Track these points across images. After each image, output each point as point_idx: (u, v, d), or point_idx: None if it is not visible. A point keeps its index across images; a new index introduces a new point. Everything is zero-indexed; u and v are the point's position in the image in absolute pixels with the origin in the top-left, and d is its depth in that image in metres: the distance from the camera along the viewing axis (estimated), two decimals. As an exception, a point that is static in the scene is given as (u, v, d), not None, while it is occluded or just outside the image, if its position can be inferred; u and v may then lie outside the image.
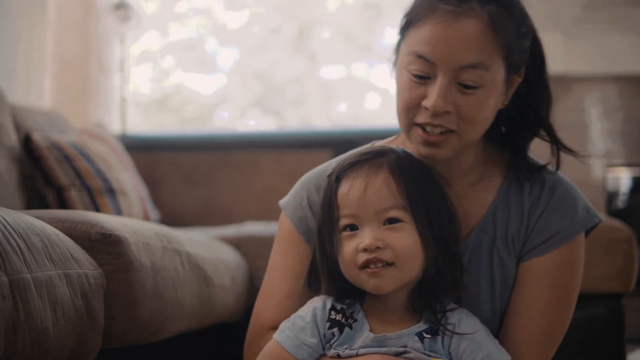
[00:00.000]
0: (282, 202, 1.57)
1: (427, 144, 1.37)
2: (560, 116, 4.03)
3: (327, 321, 1.36)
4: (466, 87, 1.34)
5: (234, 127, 4.85)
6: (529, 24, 1.41)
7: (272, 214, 3.52)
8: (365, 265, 1.31)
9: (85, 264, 1.47)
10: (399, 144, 1.48)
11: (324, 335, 1.36)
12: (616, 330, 2.43)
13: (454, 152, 1.39)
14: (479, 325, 1.36)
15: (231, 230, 2.81)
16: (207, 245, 2.21)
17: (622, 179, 4.01)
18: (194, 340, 2.18)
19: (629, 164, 4.02)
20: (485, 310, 1.44)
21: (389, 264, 1.31)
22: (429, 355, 1.32)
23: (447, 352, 1.33)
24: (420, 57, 1.34)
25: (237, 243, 2.60)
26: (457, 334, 1.32)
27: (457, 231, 1.40)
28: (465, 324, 1.34)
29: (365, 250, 1.30)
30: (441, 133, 1.36)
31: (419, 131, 1.38)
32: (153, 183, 3.52)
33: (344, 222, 1.34)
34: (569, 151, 1.50)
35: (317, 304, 1.38)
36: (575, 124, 4.01)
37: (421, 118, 1.36)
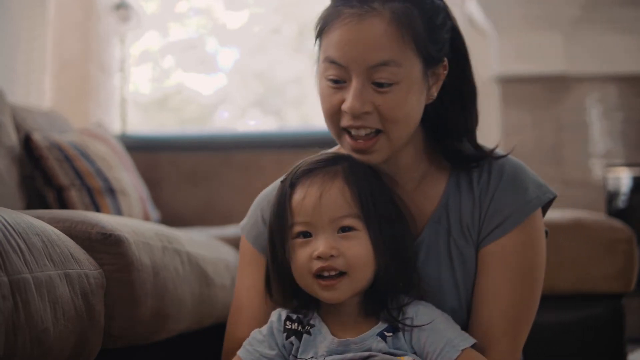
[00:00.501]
0: (241, 224, 1.60)
1: (358, 151, 1.39)
2: (560, 116, 4.04)
3: (284, 332, 1.37)
4: (380, 85, 1.34)
5: (234, 127, 4.85)
6: (445, 15, 1.42)
7: (272, 214, 3.52)
8: (319, 273, 1.32)
9: (85, 264, 1.47)
10: None
11: (284, 346, 1.37)
12: (616, 331, 2.42)
13: (388, 154, 1.40)
14: (437, 314, 1.35)
15: (231, 230, 2.81)
16: (208, 245, 2.21)
17: (622, 179, 4.01)
18: (194, 340, 2.18)
19: (629, 164, 4.02)
20: (450, 300, 1.44)
21: (341, 273, 1.32)
22: (394, 354, 1.32)
23: (410, 347, 1.33)
24: (332, 62, 1.36)
25: (237, 243, 2.59)
26: (414, 327, 1.33)
27: (407, 232, 1.41)
28: (423, 315, 1.34)
29: (319, 257, 1.32)
30: (367, 135, 1.37)
31: (347, 138, 1.39)
32: (153, 183, 3.52)
33: (297, 228, 1.35)
34: (486, 152, 1.48)
35: (274, 318, 1.40)
36: (575, 124, 4.01)
37: (344, 122, 1.38)
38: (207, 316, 2.08)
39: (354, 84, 1.35)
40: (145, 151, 3.69)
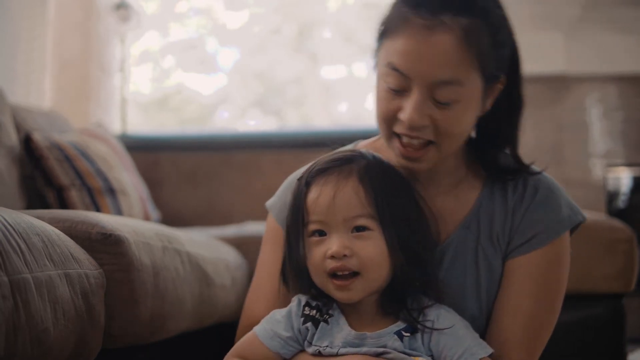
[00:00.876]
0: (269, 203, 1.60)
1: (406, 158, 1.39)
2: (561, 116, 4.04)
3: (301, 316, 1.38)
4: (442, 103, 1.34)
5: (235, 127, 4.85)
6: (507, 29, 1.41)
7: (272, 214, 3.52)
8: (333, 273, 1.32)
9: (85, 264, 1.47)
10: (381, 145, 1.49)
11: (299, 331, 1.38)
12: (617, 330, 2.42)
13: (434, 164, 1.40)
14: (458, 319, 1.36)
15: (231, 230, 2.81)
16: (208, 245, 2.21)
17: (623, 178, 4.01)
18: (194, 340, 2.18)
19: (629, 164, 4.02)
20: (471, 306, 1.45)
21: (355, 273, 1.32)
22: (409, 354, 1.32)
23: (427, 349, 1.33)
24: (395, 69, 1.35)
25: (237, 243, 2.60)
26: (435, 329, 1.33)
27: (427, 232, 1.40)
28: (444, 319, 1.34)
29: (332, 257, 1.32)
30: (419, 144, 1.37)
31: (397, 143, 1.39)
32: (153, 183, 3.52)
33: (312, 227, 1.35)
34: (524, 167, 1.49)
35: (294, 302, 1.41)
36: (575, 124, 4.01)
37: (398, 129, 1.37)
38: (207, 316, 2.08)
39: (415, 96, 1.33)
40: (146, 151, 3.69)
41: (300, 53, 4.83)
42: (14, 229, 1.27)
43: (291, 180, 1.58)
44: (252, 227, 2.86)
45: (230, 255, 2.38)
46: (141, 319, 1.62)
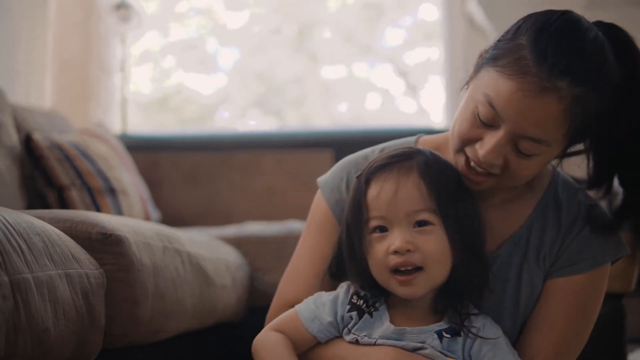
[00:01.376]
0: (320, 180, 1.57)
1: (465, 178, 1.39)
2: (561, 116, 4.03)
3: (348, 304, 1.38)
4: (522, 153, 1.33)
5: (235, 127, 4.85)
6: (611, 84, 1.34)
7: (273, 213, 3.52)
8: (396, 269, 1.32)
9: (86, 264, 1.47)
10: (443, 142, 1.50)
11: (342, 318, 1.38)
12: (617, 330, 2.42)
13: (489, 189, 1.41)
14: (501, 333, 1.37)
15: (232, 230, 2.81)
16: (208, 245, 2.21)
17: (623, 178, 4.00)
18: (194, 340, 2.18)
19: (629, 164, 4.01)
20: (507, 319, 1.46)
21: (418, 268, 1.31)
22: (445, 354, 1.32)
23: (466, 355, 1.34)
24: (491, 106, 1.32)
25: (237, 243, 2.60)
26: (481, 337, 1.34)
27: (485, 235, 1.40)
28: (489, 329, 1.36)
29: (395, 252, 1.31)
30: (483, 173, 1.37)
31: (463, 162, 1.38)
32: (154, 183, 3.52)
33: (373, 223, 1.34)
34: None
35: (343, 287, 1.41)
36: (575, 123, 4.00)
37: (470, 153, 1.37)
38: (208, 316, 2.08)
39: (500, 138, 1.32)
40: (146, 151, 3.69)
41: (300, 53, 4.83)
42: (14, 229, 1.27)
43: (346, 162, 1.56)
44: (252, 227, 2.86)
45: (231, 255, 2.38)
46: (141, 319, 1.62)
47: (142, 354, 1.76)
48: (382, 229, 1.34)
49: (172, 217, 3.39)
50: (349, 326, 1.37)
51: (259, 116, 4.86)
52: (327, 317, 1.38)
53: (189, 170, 3.71)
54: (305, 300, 1.42)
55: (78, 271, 1.42)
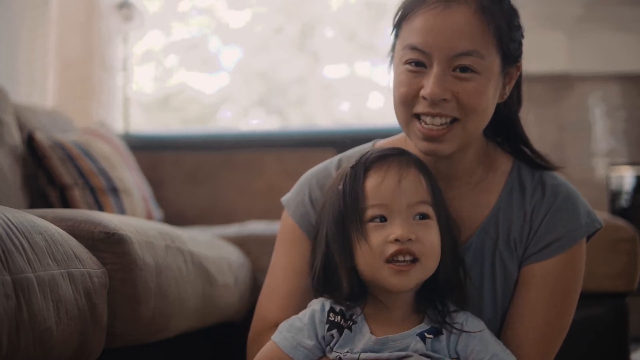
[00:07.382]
0: (284, 199, 1.57)
1: (428, 138, 1.38)
2: (563, 115, 4.03)
3: (326, 323, 1.36)
4: (462, 70, 1.34)
5: (237, 126, 4.85)
6: (519, 19, 1.43)
7: (274, 213, 3.52)
8: (393, 257, 1.31)
9: (88, 263, 1.47)
10: (400, 144, 1.48)
11: (323, 338, 1.36)
12: (620, 330, 2.42)
13: (457, 147, 1.39)
14: (484, 326, 1.37)
15: (234, 229, 2.81)
16: (210, 244, 2.21)
17: (626, 177, 4.01)
18: (197, 340, 2.18)
19: (632, 163, 4.01)
20: (487, 310, 1.45)
21: (413, 260, 1.31)
22: (431, 357, 1.32)
23: (453, 352, 1.33)
24: (414, 48, 1.36)
25: (240, 242, 2.60)
26: (465, 332, 1.33)
27: (455, 231, 1.41)
28: (472, 324, 1.35)
29: (396, 240, 1.30)
30: (443, 125, 1.37)
31: (417, 125, 1.38)
32: (156, 182, 3.52)
33: (372, 212, 1.33)
34: (544, 160, 1.52)
35: (316, 307, 1.38)
36: (578, 123, 4.00)
37: (420, 108, 1.37)
38: (210, 315, 2.08)
39: (435, 70, 1.34)
40: (148, 150, 3.69)
41: (302, 52, 4.83)
42: (16, 228, 1.27)
43: (307, 177, 1.56)
44: (254, 226, 2.86)
45: (233, 255, 2.38)
46: (144, 318, 1.62)
47: (144, 353, 1.76)
48: (382, 219, 1.33)
49: (174, 216, 3.39)
50: (331, 344, 1.35)
51: (262, 115, 4.86)
52: (309, 342, 1.35)
53: (192, 169, 3.71)
54: (279, 329, 1.38)
55: (80, 270, 1.42)
